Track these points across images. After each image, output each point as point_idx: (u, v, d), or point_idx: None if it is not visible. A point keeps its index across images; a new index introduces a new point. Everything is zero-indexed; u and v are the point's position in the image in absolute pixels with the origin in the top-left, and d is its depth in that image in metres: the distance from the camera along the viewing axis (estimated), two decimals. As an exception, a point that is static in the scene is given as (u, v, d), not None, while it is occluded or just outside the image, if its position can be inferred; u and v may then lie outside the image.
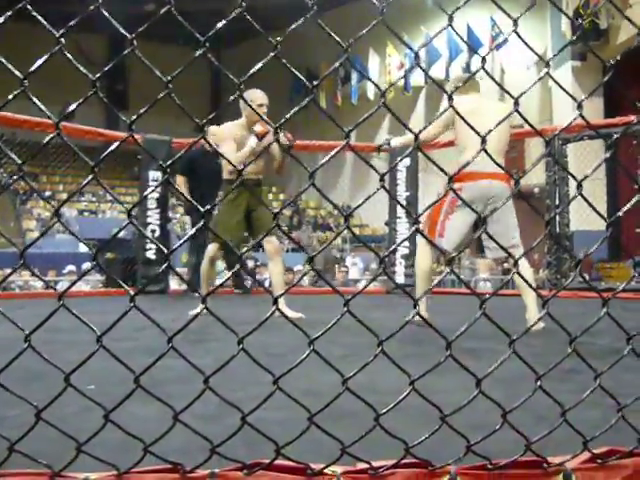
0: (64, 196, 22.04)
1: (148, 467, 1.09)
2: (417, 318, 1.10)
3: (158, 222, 8.23)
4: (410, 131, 1.15)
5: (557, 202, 8.49)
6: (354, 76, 21.61)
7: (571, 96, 1.11)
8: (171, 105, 1.04)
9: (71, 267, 13.55)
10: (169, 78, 0.93)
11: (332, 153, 1.00)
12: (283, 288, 4.98)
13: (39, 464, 1.06)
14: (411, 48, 1.32)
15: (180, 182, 7.78)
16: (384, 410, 1.12)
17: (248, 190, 5.06)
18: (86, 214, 21.15)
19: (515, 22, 1.11)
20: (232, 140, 5.07)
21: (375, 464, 1.11)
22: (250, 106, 1.16)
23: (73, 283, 1.07)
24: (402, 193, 8.61)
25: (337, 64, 1.11)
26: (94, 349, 1.07)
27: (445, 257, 4.86)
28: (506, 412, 1.16)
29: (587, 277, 10.96)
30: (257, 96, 4.94)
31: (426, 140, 4.51)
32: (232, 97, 1.04)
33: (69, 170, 22.86)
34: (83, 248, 16.71)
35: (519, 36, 1.11)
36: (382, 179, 1.06)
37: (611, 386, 1.36)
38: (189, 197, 7.67)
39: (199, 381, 1.12)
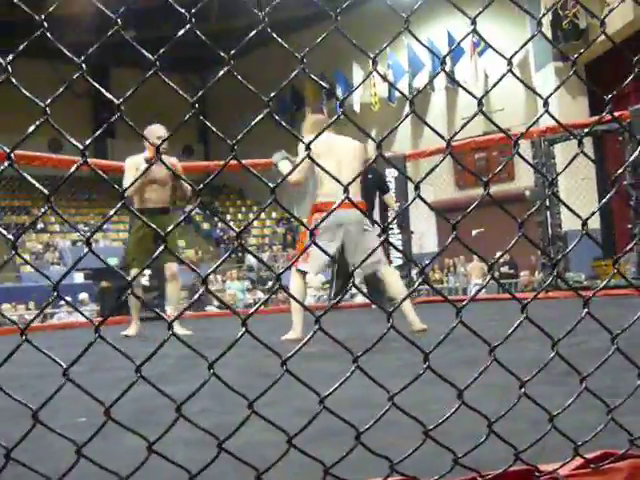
0: (56, 227, 22.02)
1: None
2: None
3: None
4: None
5: (547, 203, 8.49)
6: (339, 90, 21.67)
7: (534, 91, 1.09)
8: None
9: (67, 298, 13.47)
10: (120, 100, 0.90)
11: (293, 167, 0.97)
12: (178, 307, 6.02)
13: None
14: (433, 52, 1.30)
15: None
16: (364, 427, 1.09)
17: (150, 218, 5.50)
18: (79, 244, 21.09)
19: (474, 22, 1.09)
20: (134, 170, 5.67)
21: (361, 484, 1.08)
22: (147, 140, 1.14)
23: (38, 314, 1.04)
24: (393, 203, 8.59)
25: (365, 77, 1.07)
26: (84, 381, 1.03)
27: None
28: (491, 422, 1.13)
29: (583, 277, 10.93)
30: (155, 130, 5.54)
31: (297, 182, 4.86)
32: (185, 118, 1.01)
33: (60, 202, 22.84)
34: (78, 279, 16.67)
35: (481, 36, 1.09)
36: (346, 190, 1.03)
37: (606, 386, 1.33)
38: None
39: (191, 406, 1.08)
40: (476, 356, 2.92)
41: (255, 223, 23.17)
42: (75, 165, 0.92)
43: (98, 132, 1.09)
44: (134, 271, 5.74)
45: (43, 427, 1.05)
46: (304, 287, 4.96)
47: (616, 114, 7.47)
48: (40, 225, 21.85)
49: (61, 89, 0.92)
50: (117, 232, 21.87)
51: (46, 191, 0.88)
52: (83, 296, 14.24)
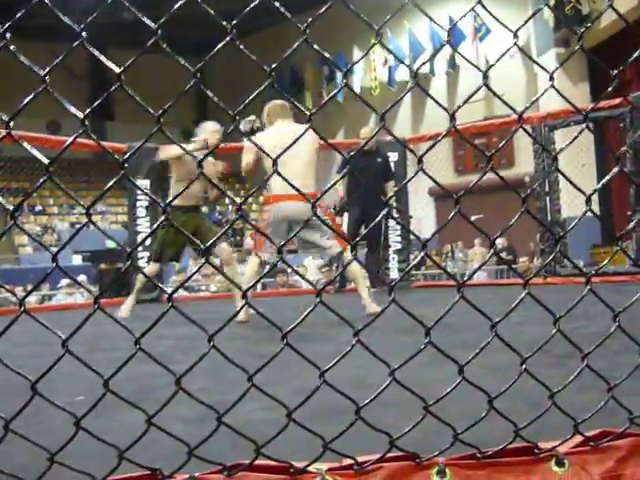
0: (55, 209, 21.97)
1: (125, 475, 1.06)
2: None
3: (148, 230, 8.20)
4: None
5: (547, 189, 8.47)
6: (339, 74, 21.55)
7: (540, 66, 1.08)
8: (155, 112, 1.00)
9: (65, 281, 13.46)
10: (121, 69, 0.89)
11: (294, 139, 0.96)
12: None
13: (13, 478, 1.02)
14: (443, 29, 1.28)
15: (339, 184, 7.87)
16: (364, 402, 1.08)
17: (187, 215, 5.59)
18: (78, 226, 21.04)
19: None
20: (179, 159, 5.54)
21: (360, 459, 1.08)
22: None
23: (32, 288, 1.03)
24: (392, 187, 8.59)
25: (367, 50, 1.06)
26: (89, 358, 1.03)
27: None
28: (492, 398, 1.13)
29: (581, 263, 10.94)
30: (208, 125, 5.51)
31: (246, 173, 4.89)
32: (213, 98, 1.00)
33: (60, 184, 22.69)
34: (76, 261, 16.65)
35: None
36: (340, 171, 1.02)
37: (604, 368, 1.33)
38: (346, 197, 7.91)
39: (191, 385, 1.08)
40: (475, 339, 2.92)
41: (254, 209, 23.08)
42: (74, 136, 0.90)
43: (97, 102, 1.08)
44: (154, 264, 5.83)
45: (41, 403, 1.05)
46: (258, 271, 5.05)
47: (618, 101, 7.45)
48: (39, 207, 21.79)
49: (60, 57, 0.90)
50: (115, 214, 21.82)
51: (45, 160, 0.86)
52: (82, 277, 14.23)
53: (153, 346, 1.05)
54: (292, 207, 4.69)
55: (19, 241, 19.93)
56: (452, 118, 1.02)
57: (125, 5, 1.03)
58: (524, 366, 1.14)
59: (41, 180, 0.90)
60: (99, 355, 3.18)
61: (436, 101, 1.09)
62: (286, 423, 1.07)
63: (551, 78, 1.00)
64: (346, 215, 8.10)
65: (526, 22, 1.12)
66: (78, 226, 21.04)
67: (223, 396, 2.06)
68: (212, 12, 1.06)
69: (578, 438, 1.16)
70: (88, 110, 0.90)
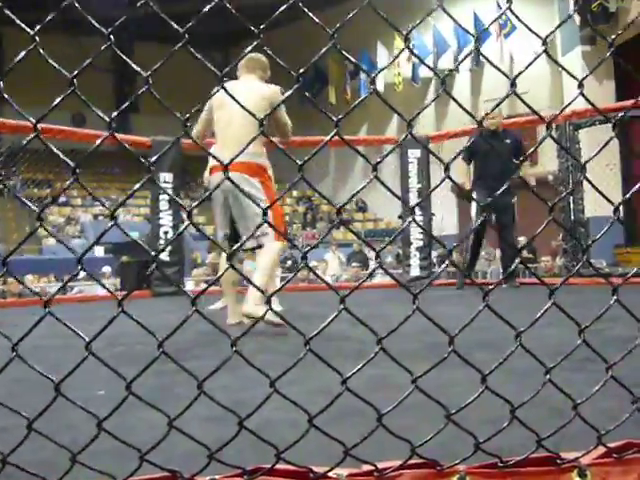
0: (79, 201, 22.12)
1: (144, 476, 1.06)
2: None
3: (171, 223, 8.23)
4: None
5: (570, 188, 8.39)
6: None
7: (567, 71, 1.06)
8: (181, 106, 1.00)
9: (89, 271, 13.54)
10: (148, 73, 0.89)
11: (320, 145, 0.95)
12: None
13: (33, 476, 1.03)
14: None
15: (462, 170, 7.43)
16: (386, 410, 1.08)
17: None
18: (100, 218, 21.18)
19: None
20: None
21: (381, 465, 1.07)
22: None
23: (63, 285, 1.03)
24: (414, 185, 8.56)
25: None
26: (104, 355, 1.03)
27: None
28: (515, 408, 1.12)
29: (604, 263, 10.85)
30: None
31: (198, 138, 4.25)
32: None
33: (82, 176, 22.85)
34: (99, 253, 16.77)
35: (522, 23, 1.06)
36: (375, 169, 1.01)
37: (628, 375, 1.31)
38: (474, 183, 7.36)
39: (211, 383, 1.08)
40: (495, 340, 2.90)
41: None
42: (101, 138, 0.91)
43: (125, 105, 1.08)
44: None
45: (61, 399, 1.05)
46: (277, 261, 4.29)
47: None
48: (62, 199, 21.95)
49: (88, 61, 0.90)
50: (138, 207, 21.92)
51: (72, 163, 0.87)
52: (106, 269, 14.33)
53: (172, 341, 1.04)
54: (222, 178, 3.89)
55: (42, 232, 20.09)
56: (480, 125, 1.01)
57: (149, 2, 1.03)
58: (548, 376, 1.13)
59: (67, 182, 0.90)
60: (119, 349, 3.20)
61: (460, 105, 1.08)
62: (307, 428, 1.07)
63: (580, 85, 0.99)
64: (473, 204, 7.38)
65: (555, 29, 1.10)
66: (101, 218, 21.18)
67: (244, 395, 2.07)
68: (237, 14, 1.06)
69: (601, 449, 1.15)
70: (114, 114, 0.90)
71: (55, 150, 0.89)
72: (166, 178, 8.16)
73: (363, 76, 21.90)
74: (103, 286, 1.17)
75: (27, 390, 2.13)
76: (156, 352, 1.03)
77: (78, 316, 5.15)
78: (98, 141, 0.91)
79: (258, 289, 1.15)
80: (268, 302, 1.04)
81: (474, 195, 7.30)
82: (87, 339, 0.96)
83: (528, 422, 1.18)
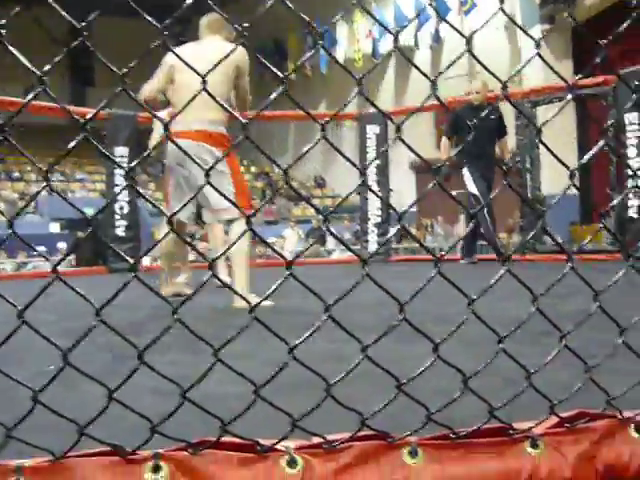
0: (33, 177, 21.69)
1: (84, 451, 1.01)
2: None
3: (127, 199, 8.11)
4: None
5: (528, 165, 8.46)
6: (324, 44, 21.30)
7: (527, 33, 1.03)
8: (138, 79, 0.95)
9: (42, 248, 13.35)
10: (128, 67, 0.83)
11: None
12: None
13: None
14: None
15: (444, 145, 7.40)
16: (335, 380, 1.05)
17: None
18: (54, 194, 20.78)
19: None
20: None
21: (330, 437, 1.04)
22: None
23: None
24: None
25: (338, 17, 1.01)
26: (54, 329, 0.98)
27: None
28: (467, 378, 1.09)
29: (560, 240, 10.98)
30: None
31: (148, 99, 3.83)
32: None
33: (37, 150, 22.48)
34: (54, 229, 16.52)
35: None
36: (323, 129, 0.97)
37: (581, 346, 1.30)
38: (459, 157, 7.03)
39: (161, 357, 1.04)
40: (452, 315, 2.90)
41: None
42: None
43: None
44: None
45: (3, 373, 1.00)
46: (174, 238, 4.03)
47: (601, 79, 7.42)
48: (16, 174, 21.50)
49: (57, 59, 0.84)
50: (93, 183, 21.60)
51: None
52: (61, 245, 14.15)
53: (124, 316, 1.00)
54: (187, 147, 3.45)
55: (-6, 208, 19.73)
56: (434, 85, 0.97)
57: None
58: (501, 345, 1.11)
59: (18, 160, 0.84)
60: (69, 324, 3.13)
61: (418, 68, 1.05)
62: (252, 399, 1.03)
63: (537, 46, 0.96)
64: (467, 175, 7.21)
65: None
66: (54, 194, 20.71)
67: (194, 369, 2.03)
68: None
69: (553, 419, 1.13)
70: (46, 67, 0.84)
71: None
72: (122, 152, 8.02)
73: (322, 51, 21.66)
74: (44, 256, 1.11)
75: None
76: (102, 326, 0.99)
77: (33, 292, 5.01)
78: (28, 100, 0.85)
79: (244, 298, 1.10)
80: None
81: (467, 168, 7.18)
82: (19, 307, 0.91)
83: (481, 393, 1.16)
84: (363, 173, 0.93)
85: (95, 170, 21.88)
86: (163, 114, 4.60)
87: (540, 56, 0.94)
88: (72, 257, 11.41)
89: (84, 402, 1.66)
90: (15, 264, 13.07)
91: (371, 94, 1.32)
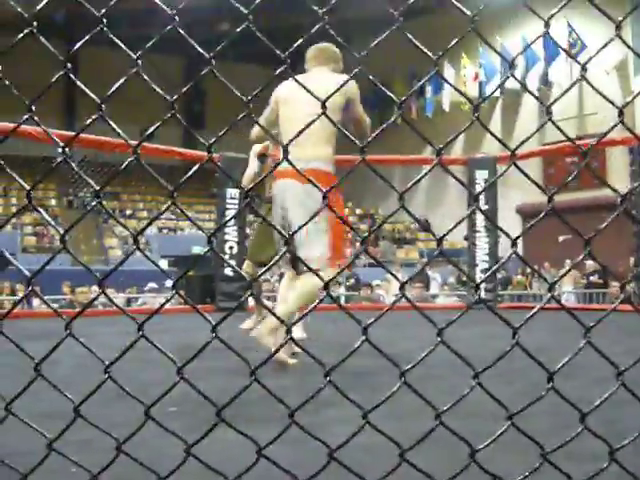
0: (145, 214, 22.56)
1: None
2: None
3: (236, 239, 8.30)
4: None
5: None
6: (429, 88, 21.42)
7: (603, 96, 1.02)
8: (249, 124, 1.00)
9: (152, 284, 13.80)
10: (249, 98, 0.89)
11: (422, 173, 0.93)
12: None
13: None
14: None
15: None
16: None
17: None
18: (165, 231, 21.52)
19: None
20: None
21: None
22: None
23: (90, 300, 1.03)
24: (481, 206, 8.48)
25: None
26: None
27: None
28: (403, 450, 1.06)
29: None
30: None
31: (256, 138, 3.86)
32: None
33: (149, 189, 23.42)
34: (162, 266, 17.04)
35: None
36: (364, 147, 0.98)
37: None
38: None
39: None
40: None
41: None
42: (200, 162, 0.91)
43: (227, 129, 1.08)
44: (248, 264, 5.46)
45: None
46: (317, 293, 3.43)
47: None
48: (129, 211, 22.41)
49: (174, 96, 0.90)
50: (203, 222, 22.27)
51: (170, 187, 0.87)
52: (169, 283, 14.47)
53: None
54: (285, 185, 3.38)
55: (108, 243, 20.53)
56: (548, 112, 0.97)
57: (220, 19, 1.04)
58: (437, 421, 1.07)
59: (166, 205, 0.91)
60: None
61: (492, 134, 1.05)
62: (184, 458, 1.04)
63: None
64: None
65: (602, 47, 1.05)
66: (165, 231, 21.50)
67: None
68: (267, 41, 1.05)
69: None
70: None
71: (151, 171, 0.89)
72: (233, 194, 8.24)
73: (428, 95, 21.78)
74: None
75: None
76: (225, 369, 1.03)
77: (147, 328, 5.15)
78: (194, 167, 0.92)
79: (277, 318, 1.15)
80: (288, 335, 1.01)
81: None
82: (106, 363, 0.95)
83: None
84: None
85: (204, 209, 22.58)
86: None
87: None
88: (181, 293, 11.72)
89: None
90: (125, 299, 13.52)
91: (478, 138, 1.34)
